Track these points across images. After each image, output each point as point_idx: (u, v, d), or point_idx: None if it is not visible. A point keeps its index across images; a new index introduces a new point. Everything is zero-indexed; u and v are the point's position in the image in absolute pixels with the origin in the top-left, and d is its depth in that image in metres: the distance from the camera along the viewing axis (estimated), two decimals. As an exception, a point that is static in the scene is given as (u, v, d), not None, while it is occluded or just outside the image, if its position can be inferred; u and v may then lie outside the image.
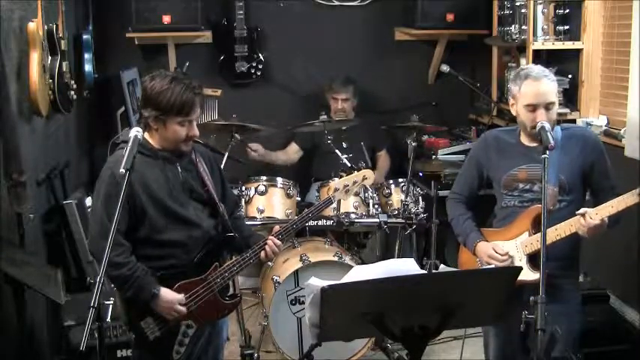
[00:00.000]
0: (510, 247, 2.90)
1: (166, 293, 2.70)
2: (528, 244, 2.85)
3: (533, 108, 2.80)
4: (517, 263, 2.86)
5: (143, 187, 2.68)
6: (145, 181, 2.69)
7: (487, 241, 2.98)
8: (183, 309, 2.72)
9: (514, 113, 2.92)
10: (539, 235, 2.79)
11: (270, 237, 2.91)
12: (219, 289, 2.83)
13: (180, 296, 2.73)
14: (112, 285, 2.80)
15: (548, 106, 2.79)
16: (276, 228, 2.98)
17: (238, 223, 3.03)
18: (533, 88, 2.81)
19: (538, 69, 2.87)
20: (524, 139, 2.93)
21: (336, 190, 3.16)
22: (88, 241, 2.73)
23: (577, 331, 2.95)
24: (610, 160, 2.93)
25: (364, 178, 3.20)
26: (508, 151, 2.95)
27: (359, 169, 3.45)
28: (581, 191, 2.90)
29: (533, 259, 2.84)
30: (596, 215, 2.65)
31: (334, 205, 3.83)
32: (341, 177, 3.27)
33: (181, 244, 2.75)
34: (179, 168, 2.79)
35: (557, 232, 2.77)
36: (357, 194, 4.15)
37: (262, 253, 2.90)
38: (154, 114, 2.68)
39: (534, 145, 2.87)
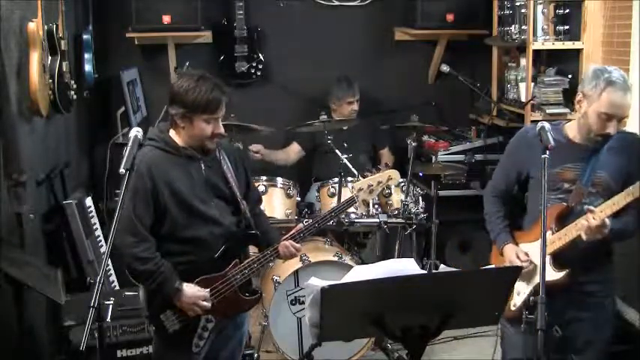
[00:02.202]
0: (535, 248, 2.81)
1: (190, 289, 2.74)
2: (550, 242, 2.77)
3: (608, 117, 2.69)
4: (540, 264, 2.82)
5: (166, 184, 2.71)
6: (169, 178, 2.72)
7: (516, 243, 2.93)
8: (207, 304, 2.76)
9: (578, 110, 2.79)
10: (560, 233, 2.75)
11: (288, 241, 2.93)
12: (240, 285, 2.85)
13: (205, 292, 2.76)
14: (135, 279, 2.82)
15: (622, 118, 2.70)
16: (299, 226, 3.00)
17: (258, 220, 3.04)
18: (617, 99, 2.66)
19: (622, 78, 2.70)
20: (574, 136, 2.82)
21: (360, 189, 3.14)
22: (113, 234, 2.76)
23: (606, 341, 2.92)
24: None
25: (389, 179, 3.18)
26: (554, 150, 2.71)
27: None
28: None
29: (557, 258, 2.78)
30: (599, 213, 2.61)
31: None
32: (365, 177, 3.25)
33: (202, 241, 2.79)
34: (202, 166, 2.81)
35: (565, 233, 2.73)
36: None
37: (281, 253, 2.94)
38: (181, 112, 2.71)
39: (585, 143, 2.78)
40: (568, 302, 2.81)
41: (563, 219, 2.78)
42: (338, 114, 4.82)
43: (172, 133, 2.80)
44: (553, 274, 2.74)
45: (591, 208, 2.65)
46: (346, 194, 3.83)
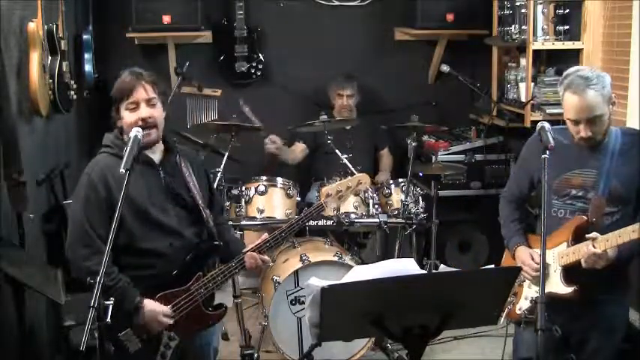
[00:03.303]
0: (548, 256, 2.75)
1: (150, 305, 2.62)
2: (564, 255, 2.72)
3: (574, 122, 2.65)
4: (551, 274, 2.76)
5: (121, 192, 2.57)
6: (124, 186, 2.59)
7: (530, 246, 2.89)
8: (168, 320, 2.64)
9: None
10: (576, 246, 2.68)
11: (251, 253, 2.83)
12: (204, 300, 2.74)
13: (166, 308, 2.65)
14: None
15: (592, 120, 2.62)
16: (264, 236, 2.90)
17: (221, 229, 2.94)
18: (574, 102, 2.61)
19: (581, 78, 2.62)
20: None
21: (328, 195, 3.05)
22: (65, 247, 2.70)
23: (614, 349, 2.91)
24: None
25: (359, 183, 3.10)
26: (561, 154, 2.73)
27: (353, 174, 3.31)
28: (634, 204, 2.73)
29: (569, 272, 2.72)
30: (602, 243, 2.55)
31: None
32: (335, 181, 3.15)
33: (162, 254, 2.67)
34: (161, 173, 2.73)
35: (574, 251, 2.67)
36: (357, 194, 4.10)
37: (247, 264, 2.84)
38: (113, 109, 2.72)
39: (587, 146, 2.71)
40: (578, 313, 2.78)
41: (583, 232, 2.69)
42: (336, 111, 4.85)
43: (125, 138, 2.67)
44: (563, 288, 2.72)
45: (594, 236, 2.59)
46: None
